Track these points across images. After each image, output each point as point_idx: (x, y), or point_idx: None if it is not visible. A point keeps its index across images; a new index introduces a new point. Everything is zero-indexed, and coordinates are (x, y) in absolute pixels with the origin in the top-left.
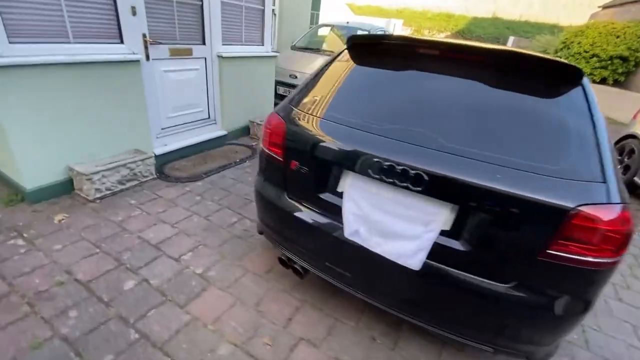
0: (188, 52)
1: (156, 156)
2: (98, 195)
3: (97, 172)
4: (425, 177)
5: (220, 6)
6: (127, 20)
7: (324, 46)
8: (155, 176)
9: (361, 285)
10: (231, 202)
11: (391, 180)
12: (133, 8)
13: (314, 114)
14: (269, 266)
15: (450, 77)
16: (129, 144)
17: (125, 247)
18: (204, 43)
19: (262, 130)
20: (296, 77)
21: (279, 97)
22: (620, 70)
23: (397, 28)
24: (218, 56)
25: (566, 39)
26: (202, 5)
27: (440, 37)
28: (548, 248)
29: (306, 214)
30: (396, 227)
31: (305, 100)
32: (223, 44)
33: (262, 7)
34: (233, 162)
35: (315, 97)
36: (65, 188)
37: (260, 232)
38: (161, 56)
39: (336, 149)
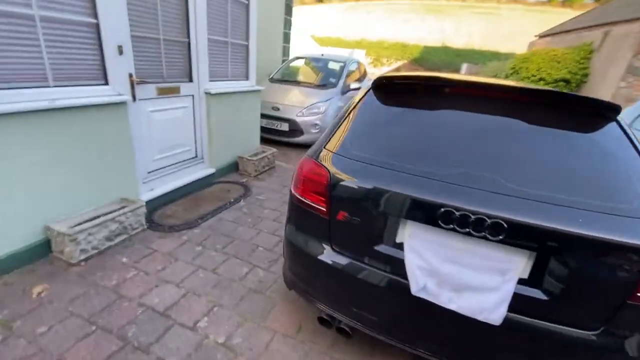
0: (176, 91)
1: (145, 203)
2: (83, 256)
3: (83, 231)
4: (505, 225)
5: (206, 43)
6: (113, 60)
7: (300, 77)
8: (145, 226)
9: (422, 341)
10: (237, 250)
11: (465, 230)
12: (120, 47)
13: (358, 159)
14: (297, 323)
15: (493, 116)
16: (115, 192)
17: (127, 319)
18: (191, 80)
19: (295, 176)
20: (279, 109)
21: (262, 130)
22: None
23: (360, 57)
24: (206, 93)
25: (515, 65)
26: (189, 43)
27: (398, 65)
28: (638, 291)
29: (358, 269)
30: (471, 279)
31: (343, 143)
32: (210, 80)
33: (247, 43)
34: (228, 203)
35: (353, 141)
36: (42, 251)
37: (291, 288)
38: (148, 96)
39: (394, 197)
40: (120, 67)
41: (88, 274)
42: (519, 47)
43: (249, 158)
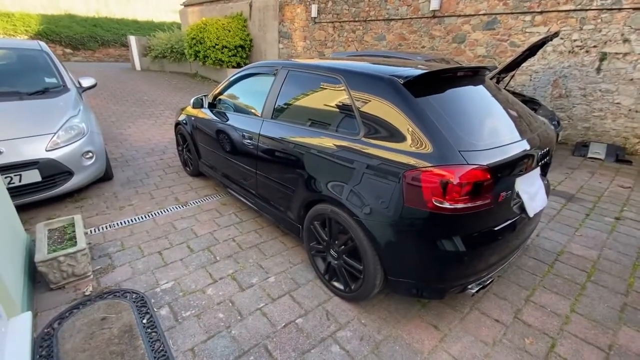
0: None
1: None
2: None
3: None
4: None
5: None
6: None
7: None
8: None
9: None
10: None
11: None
12: None
13: (481, 148)
14: None
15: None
16: None
17: None
18: None
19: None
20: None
21: None
22: (244, 56)
23: None
24: None
25: (195, 35)
26: None
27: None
28: None
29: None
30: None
31: (452, 140)
32: None
33: None
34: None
35: (456, 134)
36: None
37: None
38: None
39: (513, 162)
40: None
41: None
42: (161, 15)
43: (72, 251)
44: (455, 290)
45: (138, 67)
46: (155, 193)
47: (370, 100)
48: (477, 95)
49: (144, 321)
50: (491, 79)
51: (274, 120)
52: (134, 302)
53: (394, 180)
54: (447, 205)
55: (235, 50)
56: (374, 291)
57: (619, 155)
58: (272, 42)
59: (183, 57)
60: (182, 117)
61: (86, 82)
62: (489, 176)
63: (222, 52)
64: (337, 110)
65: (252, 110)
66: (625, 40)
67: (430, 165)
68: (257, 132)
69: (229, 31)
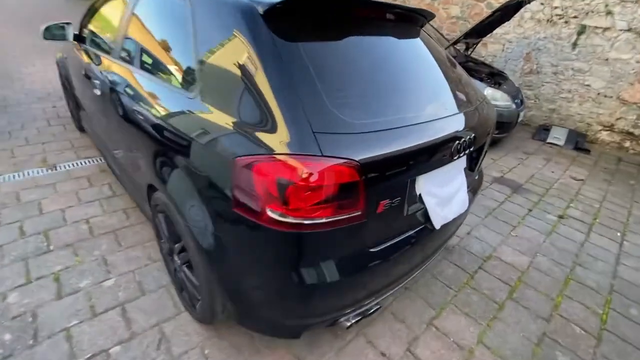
0: None
1: None
2: None
3: None
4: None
5: None
6: None
7: None
8: None
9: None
10: None
11: (450, 156)
12: None
13: (358, 130)
14: None
15: (386, 37)
16: None
17: None
18: None
19: (284, 195)
20: None
21: None
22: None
23: None
24: None
25: None
26: None
27: None
28: None
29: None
30: (452, 190)
31: (310, 114)
32: None
33: None
34: None
35: (318, 106)
36: None
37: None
38: None
39: (410, 154)
40: None
41: None
42: None
43: None
44: (320, 326)
45: None
46: (20, 150)
47: (217, 39)
48: (396, 52)
49: None
50: (457, 42)
51: (118, 60)
52: None
53: (224, 170)
54: (288, 219)
55: None
56: (216, 318)
57: (578, 142)
58: None
59: None
60: (59, 55)
61: None
62: (358, 177)
63: None
64: (176, 51)
65: (107, 45)
66: (608, 13)
67: (276, 153)
68: (101, 76)
69: None
